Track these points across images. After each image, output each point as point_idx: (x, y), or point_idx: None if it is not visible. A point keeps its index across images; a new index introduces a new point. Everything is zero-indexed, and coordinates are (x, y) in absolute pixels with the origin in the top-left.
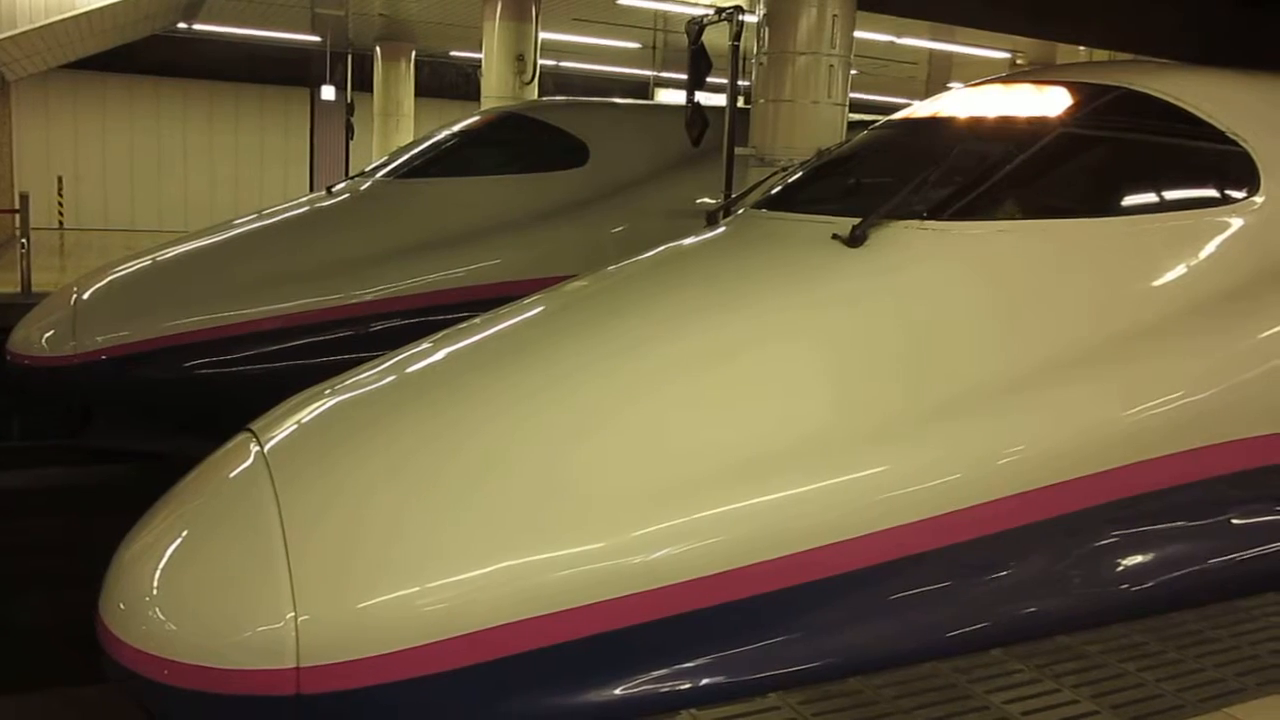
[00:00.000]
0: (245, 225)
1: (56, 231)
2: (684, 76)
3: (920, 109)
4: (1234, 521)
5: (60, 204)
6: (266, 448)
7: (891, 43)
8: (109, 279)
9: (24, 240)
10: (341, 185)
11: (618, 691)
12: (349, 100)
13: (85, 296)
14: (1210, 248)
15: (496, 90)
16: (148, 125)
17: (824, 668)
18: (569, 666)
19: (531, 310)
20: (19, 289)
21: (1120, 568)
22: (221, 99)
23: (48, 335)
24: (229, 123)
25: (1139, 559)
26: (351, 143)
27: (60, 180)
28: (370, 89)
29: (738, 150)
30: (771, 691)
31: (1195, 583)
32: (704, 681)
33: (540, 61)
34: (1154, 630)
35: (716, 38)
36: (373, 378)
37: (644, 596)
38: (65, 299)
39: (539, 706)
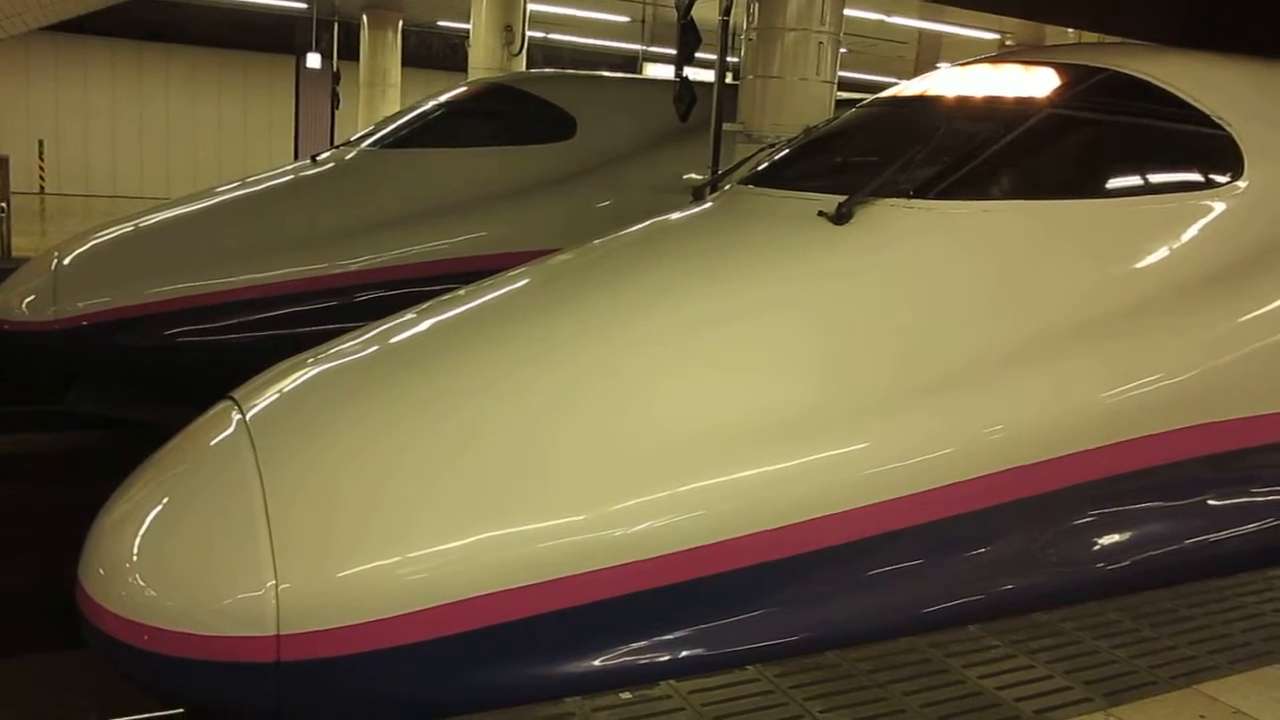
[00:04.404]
0: (229, 193)
1: (37, 196)
2: (673, 51)
3: (908, 88)
4: (1211, 502)
5: (41, 168)
6: (248, 416)
7: (881, 21)
8: (91, 244)
9: (4, 204)
10: (326, 154)
11: (596, 662)
12: (335, 69)
13: (66, 262)
14: (1193, 231)
15: (484, 61)
16: (130, 90)
17: (802, 642)
18: (548, 637)
19: (516, 283)
20: None
21: (1100, 546)
22: (205, 65)
23: (28, 300)
24: (212, 89)
25: (1119, 538)
26: (337, 112)
27: (41, 144)
28: (356, 58)
29: (725, 126)
30: (749, 664)
31: (1174, 562)
32: (683, 654)
33: (529, 33)
34: (1128, 608)
35: (706, 12)
36: (356, 348)
37: (624, 569)
38: (46, 264)
39: (517, 676)
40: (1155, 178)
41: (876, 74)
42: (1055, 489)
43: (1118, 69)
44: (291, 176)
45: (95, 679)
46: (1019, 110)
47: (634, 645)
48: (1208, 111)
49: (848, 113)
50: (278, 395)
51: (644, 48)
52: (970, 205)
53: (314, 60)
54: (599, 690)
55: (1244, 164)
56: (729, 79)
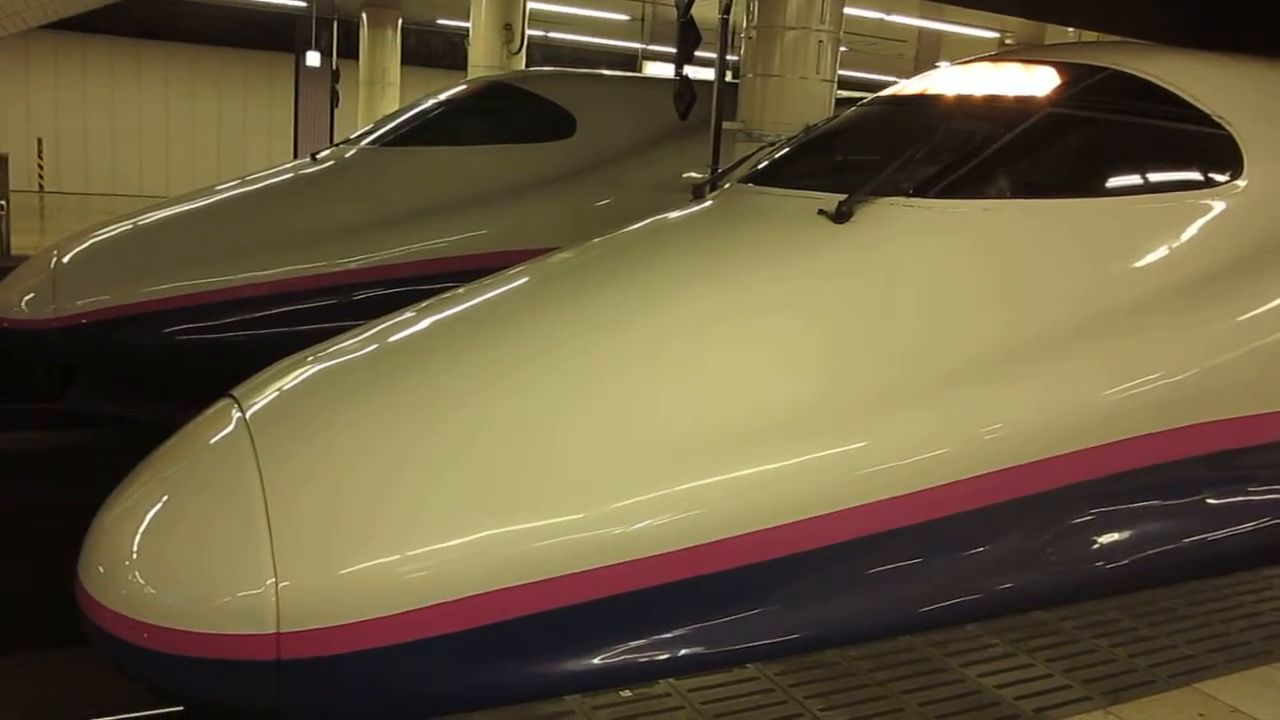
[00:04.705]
0: (228, 190)
1: (36, 194)
2: (673, 49)
3: (908, 87)
4: (1210, 501)
5: (40, 166)
6: (248, 414)
7: (881, 20)
8: (90, 242)
9: (3, 202)
10: (326, 152)
11: (596, 661)
12: (334, 67)
13: (65, 260)
14: (1193, 230)
15: (484, 60)
16: (129, 88)
17: (801, 640)
18: (548, 635)
19: (516, 281)
20: None
21: (1099, 545)
22: (204, 63)
23: (27, 298)
24: (212, 87)
25: (1118, 537)
26: (336, 110)
27: (40, 142)
28: (356, 56)
29: (725, 124)
30: (749, 663)
31: (1173, 560)
32: (682, 652)
33: (528, 32)
34: (1126, 607)
35: (706, 10)
36: (356, 346)
37: (624, 567)
38: (45, 262)
39: (518, 674)
40: (1155, 176)
41: (876, 73)
42: (1054, 488)
43: (1118, 68)
44: (291, 174)
45: (95, 676)
46: (1019, 109)
47: (634, 643)
48: (1208, 110)
49: (848, 111)
50: (277, 393)
51: (644, 46)
52: (970, 204)
53: (313, 58)
54: (599, 688)
55: (1244, 163)
56: (729, 77)
